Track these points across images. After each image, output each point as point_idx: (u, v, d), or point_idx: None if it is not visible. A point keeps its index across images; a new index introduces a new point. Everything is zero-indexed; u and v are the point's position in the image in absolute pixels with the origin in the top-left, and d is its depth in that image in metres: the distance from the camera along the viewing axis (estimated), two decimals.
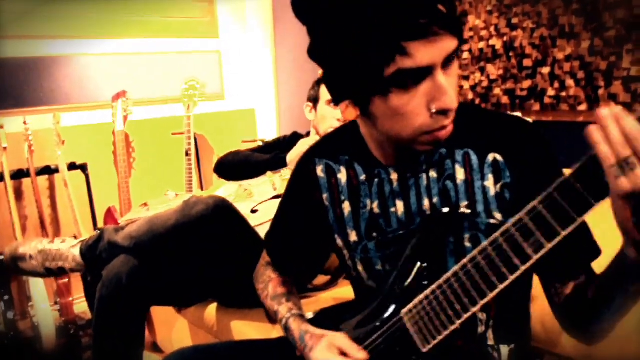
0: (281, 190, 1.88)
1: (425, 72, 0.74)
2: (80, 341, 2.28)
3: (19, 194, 2.57)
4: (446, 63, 0.75)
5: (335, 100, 0.85)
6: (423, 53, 0.71)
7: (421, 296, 0.80)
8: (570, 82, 1.70)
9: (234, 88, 3.33)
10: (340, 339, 0.88)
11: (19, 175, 2.47)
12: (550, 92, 1.76)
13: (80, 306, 2.53)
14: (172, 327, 2.06)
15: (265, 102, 3.33)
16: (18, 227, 2.35)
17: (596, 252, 0.84)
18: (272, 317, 1.08)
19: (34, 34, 2.63)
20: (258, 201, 1.86)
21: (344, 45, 0.75)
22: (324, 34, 0.78)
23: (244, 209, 1.79)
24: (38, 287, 2.14)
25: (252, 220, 1.71)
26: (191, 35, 3.13)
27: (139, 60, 2.95)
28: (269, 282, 1.10)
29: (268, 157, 1.98)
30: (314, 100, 1.97)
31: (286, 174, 1.87)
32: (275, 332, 1.50)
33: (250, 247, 1.41)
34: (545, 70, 1.76)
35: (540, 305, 1.27)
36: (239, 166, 2.03)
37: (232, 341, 1.20)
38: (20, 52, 2.58)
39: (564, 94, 1.73)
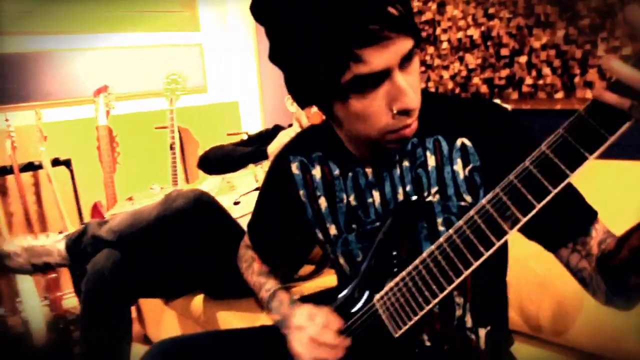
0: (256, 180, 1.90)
1: (382, 76, 0.74)
2: (70, 336, 2.30)
3: (3, 191, 2.57)
4: (404, 63, 0.75)
5: (300, 105, 0.86)
6: (377, 58, 0.71)
7: (392, 282, 0.82)
8: (546, 70, 1.72)
9: (217, 81, 3.33)
10: (324, 312, 0.90)
11: (3, 172, 2.46)
12: (528, 80, 1.78)
13: (70, 301, 2.55)
14: (161, 319, 2.08)
15: (249, 94, 3.33)
16: (4, 224, 2.35)
17: (591, 213, 0.83)
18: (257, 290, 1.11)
19: (14, 30, 2.61)
20: (240, 193, 1.88)
21: (298, 54, 0.75)
22: (280, 41, 0.78)
23: (227, 201, 1.81)
24: (26, 283, 2.14)
25: (235, 212, 1.73)
26: (172, 29, 3.12)
27: (121, 54, 2.94)
28: (252, 261, 1.13)
29: (249, 149, 2.00)
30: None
31: (268, 166, 1.88)
32: (260, 321, 1.52)
33: (232, 239, 1.43)
34: (523, 59, 1.78)
35: (516, 291, 1.31)
36: (221, 160, 2.04)
37: (213, 330, 1.22)
38: (0, 49, 2.57)
39: (541, 82, 1.75)
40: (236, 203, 1.83)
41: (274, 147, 1.88)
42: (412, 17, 0.76)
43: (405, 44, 0.73)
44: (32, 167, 2.55)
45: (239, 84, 3.38)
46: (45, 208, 2.72)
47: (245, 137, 2.19)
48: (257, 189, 1.85)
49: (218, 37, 3.30)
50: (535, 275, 1.29)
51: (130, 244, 1.54)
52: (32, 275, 1.90)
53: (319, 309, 0.91)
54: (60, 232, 2.35)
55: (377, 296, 0.85)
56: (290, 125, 2.08)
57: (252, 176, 1.93)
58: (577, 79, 1.65)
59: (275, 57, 0.81)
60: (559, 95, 1.71)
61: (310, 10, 0.70)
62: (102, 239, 1.58)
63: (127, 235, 1.54)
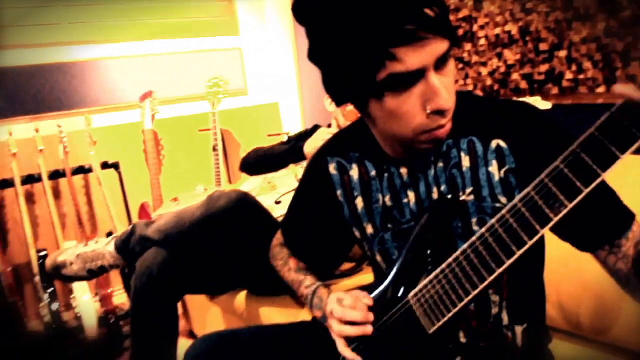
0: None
1: (417, 75, 0.75)
2: (120, 330, 2.39)
3: (56, 194, 2.69)
4: (439, 64, 0.76)
5: (336, 102, 0.89)
6: (413, 57, 0.73)
7: (426, 279, 0.84)
8: (587, 64, 1.70)
9: (257, 83, 3.40)
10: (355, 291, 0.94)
11: (56, 175, 2.58)
12: (568, 75, 1.76)
13: (120, 297, 2.66)
14: (205, 315, 2.14)
15: (288, 95, 3.38)
16: (57, 225, 2.47)
17: (628, 216, 0.83)
18: (293, 290, 1.14)
19: (64, 41, 2.74)
20: (281, 192, 1.92)
21: (336, 52, 0.77)
22: (318, 40, 0.81)
23: (268, 200, 1.86)
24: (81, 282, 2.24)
25: (276, 211, 1.77)
26: (212, 34, 3.20)
27: (164, 60, 3.04)
28: (288, 258, 1.16)
29: (286, 147, 2.03)
30: None
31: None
32: (301, 317, 1.56)
33: (273, 237, 1.47)
34: (562, 53, 1.75)
35: (555, 288, 1.30)
36: (261, 161, 2.09)
37: (255, 325, 1.25)
38: (50, 59, 2.70)
39: (581, 76, 1.72)
40: (277, 202, 1.87)
41: (310, 145, 1.91)
42: (448, 19, 0.77)
43: (440, 45, 0.75)
44: (82, 170, 2.67)
45: (278, 85, 3.43)
46: (96, 209, 2.84)
47: (285, 137, 2.23)
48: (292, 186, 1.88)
49: (257, 40, 3.37)
50: (574, 271, 1.27)
51: (176, 242, 1.59)
52: (89, 281, 1.98)
53: (348, 292, 0.94)
54: (109, 233, 2.46)
55: (412, 292, 0.87)
56: (329, 125, 2.10)
57: (293, 176, 1.97)
58: (618, 72, 1.62)
59: (313, 55, 0.84)
60: (601, 89, 1.68)
61: (349, 9, 0.73)
62: (150, 239, 1.64)
63: (173, 234, 1.59)
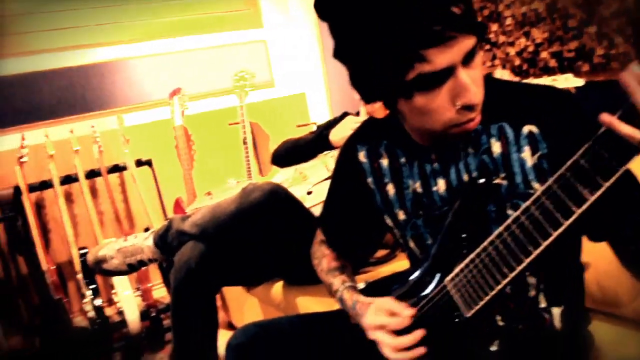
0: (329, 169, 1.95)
1: (446, 73, 0.76)
2: (162, 323, 2.46)
3: (94, 193, 2.77)
4: (467, 59, 0.76)
5: (365, 101, 0.89)
6: (441, 57, 0.73)
7: (463, 264, 0.85)
8: (618, 39, 1.66)
9: (283, 74, 3.41)
10: (387, 302, 0.93)
11: (92, 175, 2.66)
12: (599, 51, 1.72)
13: (159, 291, 2.72)
14: (243, 306, 2.18)
15: (315, 85, 3.39)
16: (96, 223, 2.55)
17: None
18: (329, 290, 1.16)
19: (94, 43, 2.82)
20: (312, 183, 1.93)
21: (364, 54, 0.78)
22: (345, 40, 0.81)
23: (300, 191, 1.87)
24: (120, 276, 2.31)
25: (308, 201, 1.79)
26: (237, 28, 3.23)
27: (190, 57, 3.09)
28: (322, 258, 1.18)
29: (312, 136, 2.04)
30: None
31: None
32: (337, 305, 1.58)
33: (306, 227, 1.49)
34: (592, 29, 1.72)
35: (594, 268, 1.29)
36: (289, 153, 2.10)
37: (295, 315, 1.27)
38: (80, 61, 2.78)
39: (613, 51, 1.69)
40: (309, 193, 1.88)
41: (336, 133, 1.91)
42: (475, 14, 0.77)
43: (468, 42, 0.75)
44: (117, 168, 2.73)
45: (304, 75, 3.44)
46: (132, 206, 2.91)
47: (314, 128, 2.24)
48: (328, 178, 1.89)
49: (281, 32, 3.38)
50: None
51: (212, 236, 1.62)
52: (129, 274, 2.03)
53: (381, 302, 0.94)
54: (146, 229, 2.51)
55: (448, 278, 0.88)
56: (358, 113, 2.10)
57: (323, 166, 1.98)
58: None
59: (340, 54, 0.84)
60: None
61: (377, 11, 0.73)
62: (187, 233, 1.67)
63: (210, 228, 1.62)
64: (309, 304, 1.66)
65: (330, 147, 1.97)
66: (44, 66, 2.69)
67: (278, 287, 1.82)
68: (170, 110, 2.62)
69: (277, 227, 1.63)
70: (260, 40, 3.30)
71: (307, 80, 3.44)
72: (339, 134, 1.90)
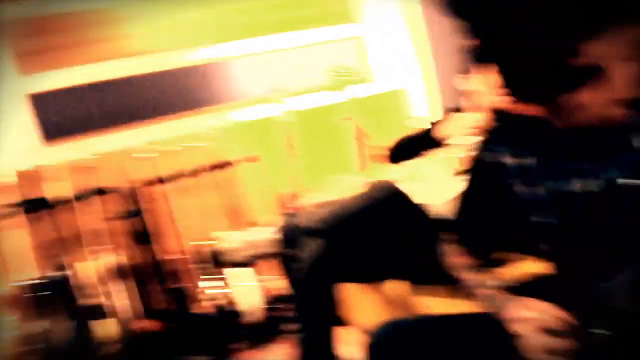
0: (444, 167, 1.95)
1: (606, 66, 0.76)
2: (282, 315, 2.48)
3: (205, 188, 2.91)
4: (626, 53, 0.76)
5: (522, 100, 0.89)
6: (600, 51, 0.74)
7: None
8: None
9: (382, 70, 3.42)
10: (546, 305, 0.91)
11: (201, 171, 2.78)
12: None
13: (279, 283, 2.82)
14: (362, 303, 2.21)
15: (415, 80, 3.37)
16: (213, 217, 2.69)
17: None
18: (451, 280, 1.16)
19: (199, 42, 2.99)
20: (422, 180, 1.95)
21: (522, 54, 0.78)
22: (497, 41, 0.81)
23: (410, 188, 1.90)
24: (242, 267, 2.42)
25: (418, 198, 1.81)
26: (334, 23, 3.30)
27: (290, 54, 3.20)
28: (457, 257, 1.19)
29: (423, 133, 2.05)
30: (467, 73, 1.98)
31: (451, 151, 1.92)
32: (461, 307, 1.56)
33: (418, 225, 1.51)
34: None
35: None
36: (399, 150, 2.13)
37: (437, 314, 1.24)
38: (188, 62, 2.96)
39: None
40: (418, 191, 1.91)
41: (439, 130, 1.91)
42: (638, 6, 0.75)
43: (627, 34, 0.74)
44: (226, 164, 2.85)
45: (403, 70, 3.43)
46: (243, 202, 3.04)
47: (428, 125, 2.23)
48: (441, 175, 1.90)
49: (378, 26, 3.38)
50: None
51: (332, 232, 1.69)
52: (252, 265, 2.14)
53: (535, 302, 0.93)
54: (262, 225, 2.62)
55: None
56: (458, 110, 2.08)
57: (434, 163, 1.98)
58: None
59: (489, 56, 0.85)
60: None
61: (533, 10, 0.74)
62: (307, 229, 1.74)
63: (330, 225, 1.69)
64: (432, 304, 1.67)
65: (437, 144, 1.98)
66: (144, 70, 2.88)
67: (397, 285, 1.83)
68: (273, 107, 2.72)
69: (393, 225, 1.67)
70: (358, 36, 3.34)
71: (407, 75, 3.43)
72: (443, 131, 1.90)
